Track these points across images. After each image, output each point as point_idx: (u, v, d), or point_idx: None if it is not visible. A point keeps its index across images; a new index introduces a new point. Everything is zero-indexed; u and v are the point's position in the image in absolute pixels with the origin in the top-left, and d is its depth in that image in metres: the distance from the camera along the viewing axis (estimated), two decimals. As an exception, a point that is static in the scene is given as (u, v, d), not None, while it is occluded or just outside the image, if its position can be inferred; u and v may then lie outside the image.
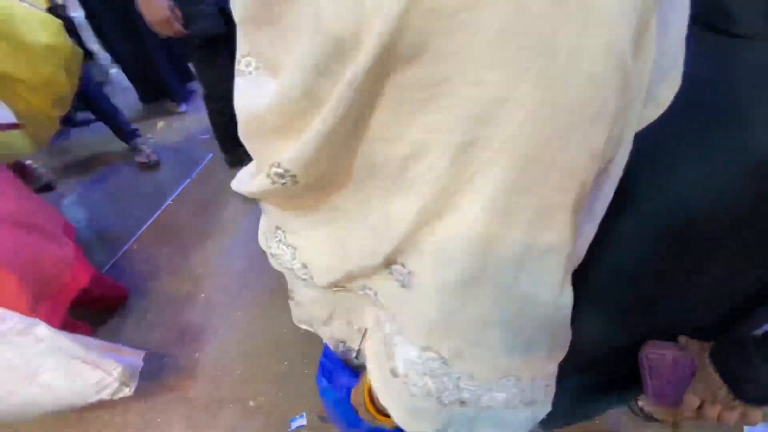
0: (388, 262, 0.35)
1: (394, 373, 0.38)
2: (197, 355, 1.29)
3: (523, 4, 0.22)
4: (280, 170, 0.32)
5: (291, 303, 0.56)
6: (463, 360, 0.35)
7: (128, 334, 1.32)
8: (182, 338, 1.31)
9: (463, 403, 0.37)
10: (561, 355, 0.40)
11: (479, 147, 0.26)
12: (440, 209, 0.29)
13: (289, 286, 0.54)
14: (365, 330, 0.46)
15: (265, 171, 0.33)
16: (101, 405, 1.21)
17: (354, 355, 0.53)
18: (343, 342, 0.53)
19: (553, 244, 0.30)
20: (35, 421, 1.14)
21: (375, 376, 0.42)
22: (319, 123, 0.28)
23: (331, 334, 0.53)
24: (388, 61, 0.24)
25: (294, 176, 0.32)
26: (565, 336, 0.38)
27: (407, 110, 0.27)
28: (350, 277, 0.39)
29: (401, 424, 0.40)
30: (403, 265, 0.34)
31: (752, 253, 0.42)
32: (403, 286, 0.35)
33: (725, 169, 0.39)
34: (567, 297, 0.34)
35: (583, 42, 0.23)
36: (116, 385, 1.05)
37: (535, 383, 0.38)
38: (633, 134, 0.31)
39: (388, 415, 0.41)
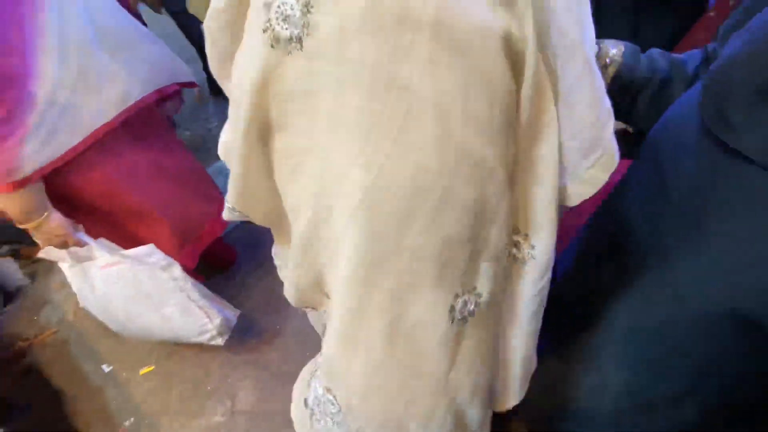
0: (326, 295, 0.37)
1: (305, 404, 0.40)
2: (278, 327, 1.42)
3: (342, 96, 0.23)
4: (230, 206, 0.39)
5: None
6: (354, 414, 0.33)
7: (226, 294, 1.50)
8: (271, 307, 1.45)
9: None
10: None
11: (336, 213, 0.28)
12: (329, 256, 0.31)
13: None
14: None
15: (227, 209, 0.40)
16: (193, 345, 1.39)
17: None
18: None
19: (421, 319, 0.29)
20: (144, 342, 1.34)
21: (294, 401, 0.43)
22: (233, 168, 0.33)
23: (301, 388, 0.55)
24: (263, 127, 0.28)
25: (240, 212, 0.38)
26: (478, 414, 0.37)
27: (285, 173, 0.30)
28: (308, 302, 0.42)
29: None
30: (328, 296, 0.36)
31: None
32: (329, 318, 0.35)
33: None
34: (462, 373, 0.32)
35: (408, 137, 0.23)
36: (214, 332, 1.21)
37: None
38: (553, 216, 0.31)
39: None
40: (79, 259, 0.97)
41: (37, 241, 0.93)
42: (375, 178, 0.25)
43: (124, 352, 1.42)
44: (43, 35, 0.71)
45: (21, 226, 0.85)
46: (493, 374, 0.38)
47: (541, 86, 0.26)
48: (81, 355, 1.44)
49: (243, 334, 1.40)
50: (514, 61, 0.25)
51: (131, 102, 0.88)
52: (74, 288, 1.07)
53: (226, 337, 1.23)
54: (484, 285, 0.31)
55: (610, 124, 0.31)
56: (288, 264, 0.39)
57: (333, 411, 0.35)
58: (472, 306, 0.31)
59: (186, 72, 1.06)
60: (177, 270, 1.08)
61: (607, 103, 0.31)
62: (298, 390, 0.47)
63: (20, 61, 0.69)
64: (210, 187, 1.28)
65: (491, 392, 0.40)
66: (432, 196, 0.25)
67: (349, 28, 0.22)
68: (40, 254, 0.97)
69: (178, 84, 1.02)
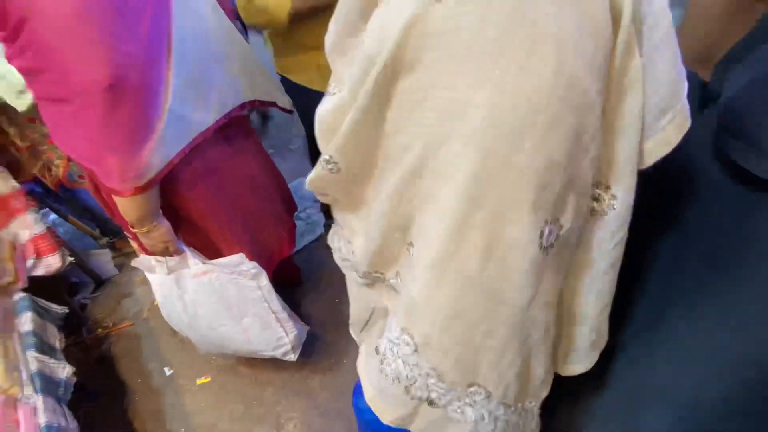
0: (407, 245, 0.39)
1: (376, 351, 0.42)
2: (333, 360, 1.35)
3: (482, 30, 0.28)
4: (327, 157, 0.41)
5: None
6: (431, 349, 0.36)
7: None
8: (334, 327, 1.39)
9: (431, 402, 0.38)
10: (538, 391, 0.39)
11: (452, 140, 0.32)
12: (427, 193, 0.35)
13: (348, 287, 0.60)
14: None
15: (321, 163, 0.42)
16: (250, 364, 1.36)
17: None
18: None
19: (516, 240, 0.32)
20: (212, 353, 1.34)
21: (361, 354, 0.45)
22: (349, 115, 0.36)
23: (370, 341, 0.55)
24: (395, 71, 0.32)
25: (336, 163, 0.40)
26: (542, 366, 0.38)
27: (407, 109, 0.34)
28: (383, 260, 0.43)
29: (369, 403, 0.42)
30: (411, 244, 0.38)
31: None
32: (409, 266, 0.39)
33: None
34: (538, 308, 0.34)
35: (531, 62, 0.28)
36: (288, 347, 1.19)
37: (508, 413, 0.38)
38: (633, 168, 0.34)
39: None
40: (171, 269, 1.00)
41: (132, 244, 0.97)
42: (499, 98, 0.29)
43: (186, 358, 1.44)
44: (171, 46, 0.76)
45: (134, 230, 0.89)
46: (559, 325, 0.40)
47: (630, 42, 0.30)
48: (149, 353, 1.49)
49: (301, 357, 1.35)
50: (614, 15, 0.30)
51: (227, 110, 0.91)
52: (158, 297, 1.10)
53: (298, 352, 1.21)
54: (566, 218, 0.33)
55: (684, 85, 0.34)
56: (367, 221, 0.42)
57: (407, 352, 0.37)
58: (554, 238, 0.33)
59: (280, 92, 1.08)
60: (264, 279, 1.08)
61: (682, 65, 0.34)
62: (366, 343, 0.50)
63: (157, 73, 0.74)
64: (289, 207, 1.28)
65: (555, 347, 0.41)
66: (543, 118, 0.29)
67: None
68: (134, 263, 1.01)
69: (269, 103, 1.04)
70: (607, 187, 0.35)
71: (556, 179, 0.31)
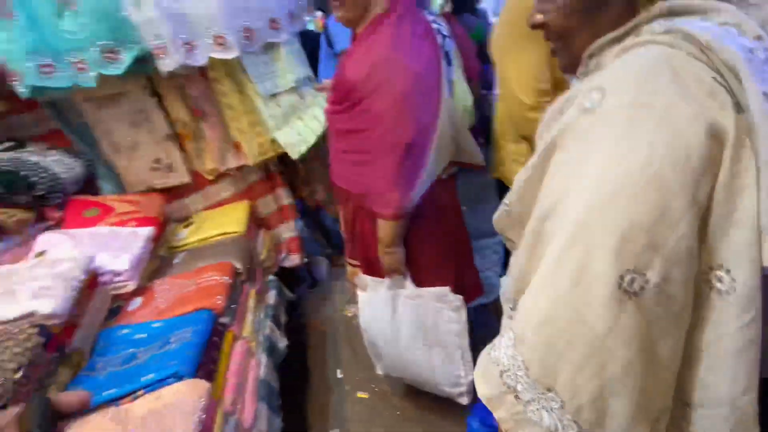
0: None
1: (492, 344, 0.51)
2: None
3: (605, 135, 0.43)
4: (506, 202, 0.57)
5: None
6: (523, 345, 0.45)
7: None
8: None
9: (516, 395, 0.45)
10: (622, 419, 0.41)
11: (570, 194, 0.44)
12: (550, 231, 0.47)
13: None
14: None
15: (502, 206, 0.58)
16: (407, 397, 1.43)
17: None
18: None
19: (599, 274, 0.40)
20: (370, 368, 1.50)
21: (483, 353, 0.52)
22: (523, 173, 0.53)
23: None
24: (552, 149, 0.48)
25: (507, 206, 0.57)
26: (623, 410, 0.41)
27: (551, 174, 0.48)
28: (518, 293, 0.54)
29: (474, 377, 0.50)
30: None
31: None
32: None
33: None
34: (616, 342, 0.40)
35: (630, 156, 0.41)
36: (463, 389, 1.24)
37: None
38: (755, 257, 0.40)
39: None
40: (390, 287, 1.21)
41: (350, 263, 1.23)
42: (602, 172, 0.41)
43: (355, 369, 1.65)
44: (438, 117, 1.06)
45: (385, 250, 1.15)
46: (658, 392, 0.43)
47: (741, 156, 0.39)
48: (330, 351, 1.78)
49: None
50: (719, 140, 0.40)
51: (444, 166, 1.17)
52: (366, 312, 1.30)
53: (470, 397, 1.24)
54: (653, 275, 0.39)
55: None
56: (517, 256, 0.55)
57: (508, 343, 0.46)
58: (638, 287, 0.39)
59: (477, 152, 1.26)
60: (464, 314, 1.21)
61: None
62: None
63: (431, 136, 1.05)
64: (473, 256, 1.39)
65: (653, 411, 0.43)
66: (631, 191, 0.39)
67: (630, 102, 0.42)
68: (356, 280, 1.27)
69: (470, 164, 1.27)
70: (728, 270, 0.41)
71: (638, 238, 0.39)
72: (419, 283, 1.20)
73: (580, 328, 0.41)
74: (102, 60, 1.18)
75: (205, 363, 0.96)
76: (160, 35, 1.19)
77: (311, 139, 1.50)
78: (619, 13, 0.48)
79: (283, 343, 1.36)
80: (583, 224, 0.41)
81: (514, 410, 0.45)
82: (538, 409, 0.43)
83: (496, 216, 0.61)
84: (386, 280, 1.20)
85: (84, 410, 0.84)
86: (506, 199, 0.57)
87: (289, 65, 1.52)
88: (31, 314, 0.86)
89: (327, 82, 1.58)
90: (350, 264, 1.37)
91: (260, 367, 1.16)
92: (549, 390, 0.43)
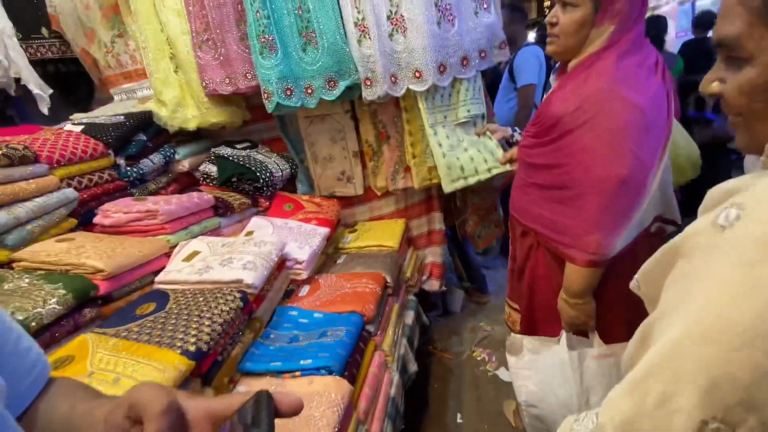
0: None
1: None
2: None
3: (726, 265, 0.37)
4: (636, 277, 0.55)
5: None
6: None
7: None
8: None
9: None
10: None
11: (674, 314, 0.40)
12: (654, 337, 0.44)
13: None
14: None
15: (634, 281, 0.56)
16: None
17: None
18: None
19: (681, 407, 0.37)
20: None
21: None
22: (654, 256, 0.49)
23: None
24: (676, 254, 0.43)
25: (638, 282, 0.55)
26: None
27: (673, 279, 0.44)
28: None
29: None
30: None
31: None
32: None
33: None
34: None
35: (742, 304, 0.35)
36: None
37: None
38: None
39: None
40: (572, 346, 1.04)
41: (510, 313, 1.15)
42: (711, 304, 0.37)
43: (478, 416, 1.53)
44: (663, 158, 0.93)
45: (570, 300, 1.02)
46: None
47: None
48: (453, 390, 1.71)
49: None
50: None
51: (651, 220, 1.00)
52: (531, 380, 1.10)
53: None
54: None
55: None
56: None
57: (590, 426, 0.47)
58: None
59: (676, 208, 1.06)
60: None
61: None
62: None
63: (650, 177, 0.92)
64: None
65: None
66: (742, 336, 0.34)
67: (763, 236, 0.36)
68: (508, 341, 1.14)
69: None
70: None
71: (731, 390, 0.35)
72: (606, 340, 1.04)
73: None
74: (324, 87, 1.44)
75: (351, 364, 1.04)
76: (373, 69, 1.38)
77: (472, 180, 1.49)
78: None
79: (413, 367, 1.37)
80: (678, 349, 0.37)
81: None
82: None
83: (631, 284, 0.58)
84: (562, 339, 1.06)
85: (254, 373, 1.02)
86: (637, 275, 0.55)
87: (466, 100, 1.56)
88: (239, 281, 1.09)
89: (495, 126, 1.58)
90: (509, 306, 1.30)
91: (392, 384, 1.20)
92: None
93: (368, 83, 1.41)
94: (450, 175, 1.50)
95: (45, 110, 1.79)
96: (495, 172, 1.49)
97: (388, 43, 1.36)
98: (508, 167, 1.46)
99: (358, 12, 1.35)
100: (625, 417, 0.40)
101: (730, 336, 0.34)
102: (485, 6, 1.44)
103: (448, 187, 1.51)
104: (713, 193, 0.46)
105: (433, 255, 1.95)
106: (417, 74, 1.38)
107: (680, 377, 0.37)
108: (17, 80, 1.74)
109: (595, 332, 1.04)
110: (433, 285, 1.92)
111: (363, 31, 1.36)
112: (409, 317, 1.54)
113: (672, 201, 1.05)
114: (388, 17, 1.35)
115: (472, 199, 1.91)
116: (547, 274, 1.11)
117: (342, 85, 1.43)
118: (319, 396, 0.92)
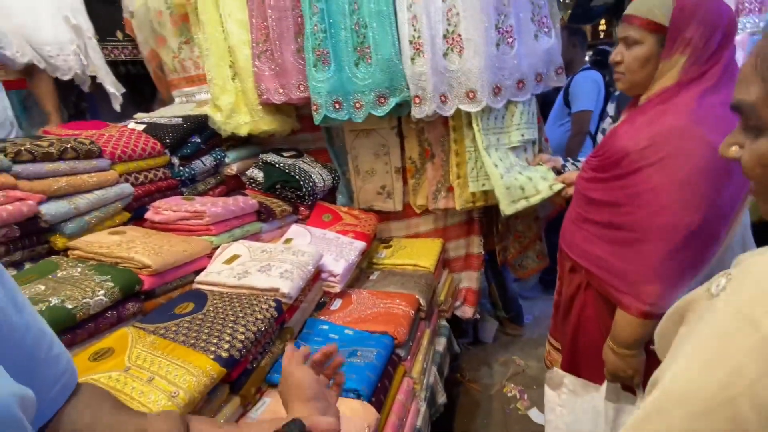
0: None
1: None
2: None
3: (716, 326, 0.38)
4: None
5: None
6: None
7: None
8: None
9: None
10: None
11: (668, 375, 0.40)
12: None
13: None
14: None
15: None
16: None
17: None
18: None
19: None
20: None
21: None
22: (663, 320, 0.50)
23: None
24: (681, 317, 0.45)
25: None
26: None
27: (679, 341, 0.43)
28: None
29: None
30: None
31: None
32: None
33: None
34: None
35: (724, 368, 0.35)
36: None
37: None
38: None
39: None
40: (611, 398, 0.98)
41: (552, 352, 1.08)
42: (700, 366, 0.37)
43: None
44: (741, 208, 0.86)
45: (617, 350, 0.94)
46: None
47: None
48: (480, 426, 1.62)
49: None
50: None
51: None
52: (561, 419, 1.06)
53: None
54: None
55: None
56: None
57: None
58: None
59: None
60: None
61: None
62: None
63: (724, 228, 0.84)
64: None
65: None
66: (708, 401, 0.35)
67: (739, 307, 0.36)
68: (549, 374, 1.08)
69: None
70: None
71: None
72: None
73: None
74: (374, 103, 1.44)
75: (379, 390, 0.99)
76: (424, 87, 1.36)
77: (534, 200, 1.43)
78: None
79: (442, 398, 1.30)
80: (656, 409, 0.39)
81: None
82: None
83: (654, 345, 0.56)
84: (602, 388, 0.98)
85: None
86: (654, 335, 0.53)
87: (520, 124, 1.51)
88: (275, 289, 1.08)
89: (548, 157, 1.51)
90: (551, 344, 1.21)
91: (419, 415, 1.14)
92: None
93: (418, 101, 1.39)
94: (510, 195, 1.43)
95: (117, 107, 1.93)
96: (557, 188, 1.39)
97: (442, 62, 1.35)
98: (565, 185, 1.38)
99: (415, 30, 1.34)
100: None
101: (696, 401, 0.35)
102: (546, 30, 1.40)
103: (508, 209, 1.44)
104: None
105: (469, 280, 1.88)
106: (470, 95, 1.35)
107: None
108: (92, 77, 1.89)
109: (641, 388, 0.94)
110: (467, 312, 1.84)
111: (417, 49, 1.35)
112: (441, 344, 1.48)
113: (749, 246, 0.94)
114: (445, 36, 1.33)
115: (516, 226, 1.84)
116: (596, 315, 1.02)
117: (392, 101, 1.43)
118: (345, 420, 0.88)
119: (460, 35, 1.32)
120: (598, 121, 2.03)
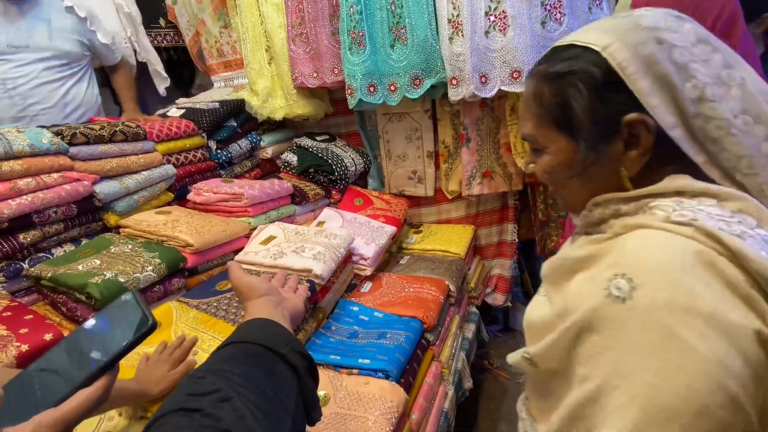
0: None
1: None
2: None
3: (645, 333, 0.40)
4: (527, 355, 0.53)
5: None
6: None
7: None
8: None
9: None
10: None
11: (619, 391, 0.40)
12: (593, 422, 0.43)
13: None
14: None
15: (521, 353, 0.56)
16: None
17: None
18: None
19: None
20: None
21: None
22: (552, 335, 0.48)
23: None
24: (584, 328, 0.44)
25: (529, 357, 0.53)
26: None
27: (590, 354, 0.44)
28: None
29: None
30: None
31: None
32: None
33: None
34: None
35: (684, 364, 0.37)
36: None
37: None
38: None
39: None
40: None
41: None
42: (660, 381, 0.38)
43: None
44: None
45: None
46: None
47: None
48: (505, 413, 1.62)
49: None
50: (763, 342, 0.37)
51: None
52: None
53: None
54: None
55: None
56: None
57: None
58: None
59: None
60: None
61: None
62: None
63: None
64: None
65: None
66: (693, 407, 0.36)
67: (666, 303, 0.39)
68: None
69: None
70: None
71: None
72: None
73: None
74: (408, 85, 1.41)
75: (408, 372, 1.01)
76: (461, 68, 1.32)
77: None
78: (607, 180, 0.49)
79: (468, 383, 1.31)
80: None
81: None
82: None
83: (513, 360, 0.58)
84: None
85: (317, 362, 1.05)
86: (527, 350, 0.53)
87: None
88: (309, 270, 1.11)
89: None
90: None
91: (446, 398, 1.15)
92: None
93: (455, 82, 1.35)
94: None
95: (163, 91, 2.01)
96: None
97: (483, 41, 1.29)
98: None
99: (454, 8, 1.29)
100: None
101: (686, 408, 0.36)
102: (597, 2, 1.30)
103: None
104: (555, 263, 0.53)
105: (501, 268, 1.84)
106: (515, 74, 1.29)
107: None
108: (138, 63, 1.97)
109: None
110: (497, 299, 1.82)
111: (456, 28, 1.31)
112: (469, 330, 1.47)
113: None
114: (486, 13, 1.27)
115: (559, 213, 1.77)
116: None
117: (427, 83, 1.40)
118: (374, 400, 0.91)
119: (504, 12, 1.26)
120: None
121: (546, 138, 0.52)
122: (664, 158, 0.46)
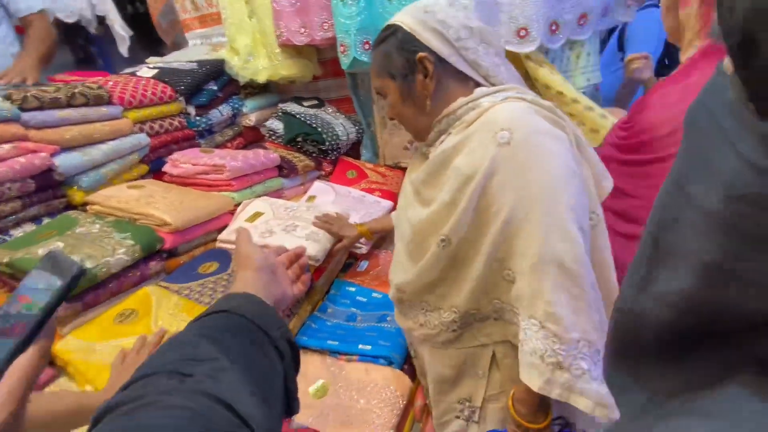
0: (503, 275, 0.68)
1: (521, 342, 0.63)
2: None
3: (522, 168, 0.62)
4: (442, 238, 0.69)
5: None
6: (550, 321, 0.59)
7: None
8: None
9: (560, 366, 0.59)
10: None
11: (522, 208, 0.63)
12: (516, 237, 0.65)
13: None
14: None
15: (437, 245, 0.70)
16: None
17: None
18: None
19: (574, 236, 0.61)
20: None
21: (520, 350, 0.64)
22: (461, 206, 0.67)
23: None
24: (485, 176, 0.64)
25: (445, 240, 0.68)
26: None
27: (493, 193, 0.65)
28: (482, 296, 0.71)
29: (522, 377, 0.62)
30: (510, 271, 0.66)
31: None
32: (514, 284, 0.66)
33: None
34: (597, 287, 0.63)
35: (546, 168, 0.62)
36: None
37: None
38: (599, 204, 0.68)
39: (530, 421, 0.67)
40: None
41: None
42: (553, 167, 0.62)
43: None
44: None
45: None
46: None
47: (580, 150, 0.69)
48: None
49: None
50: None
51: None
52: None
53: None
54: (599, 211, 0.68)
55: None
56: (464, 281, 0.71)
57: (535, 329, 0.61)
58: (594, 222, 0.66)
59: None
60: None
61: None
62: (521, 345, 0.66)
63: None
64: None
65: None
66: (567, 176, 0.62)
67: (530, 132, 0.64)
68: None
69: None
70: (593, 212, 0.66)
71: (584, 200, 0.64)
72: None
73: (577, 281, 0.60)
74: (407, 43, 1.27)
75: (410, 358, 0.95)
76: (466, 24, 1.18)
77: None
78: (424, 104, 0.72)
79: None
80: (549, 205, 0.60)
81: (562, 381, 0.59)
82: (576, 363, 0.59)
83: (429, 258, 0.71)
84: None
85: (310, 349, 0.98)
86: (441, 233, 0.67)
87: (587, 66, 1.33)
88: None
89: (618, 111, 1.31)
90: None
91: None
92: (581, 339, 0.59)
93: (458, 42, 1.22)
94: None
95: (125, 51, 1.80)
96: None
97: (486, -5, 1.15)
98: None
99: (459, -47, 1.14)
100: (552, 289, 0.60)
101: (565, 179, 0.61)
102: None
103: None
104: (438, 157, 0.69)
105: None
106: (521, 32, 1.17)
107: (560, 216, 0.61)
108: (99, 19, 1.75)
109: None
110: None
111: (461, -24, 1.16)
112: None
113: None
114: (495, -39, 1.13)
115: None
116: None
117: (428, 42, 1.26)
118: (378, 388, 0.85)
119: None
120: (656, 69, 1.79)
121: (384, 85, 0.74)
122: (452, 77, 0.70)
